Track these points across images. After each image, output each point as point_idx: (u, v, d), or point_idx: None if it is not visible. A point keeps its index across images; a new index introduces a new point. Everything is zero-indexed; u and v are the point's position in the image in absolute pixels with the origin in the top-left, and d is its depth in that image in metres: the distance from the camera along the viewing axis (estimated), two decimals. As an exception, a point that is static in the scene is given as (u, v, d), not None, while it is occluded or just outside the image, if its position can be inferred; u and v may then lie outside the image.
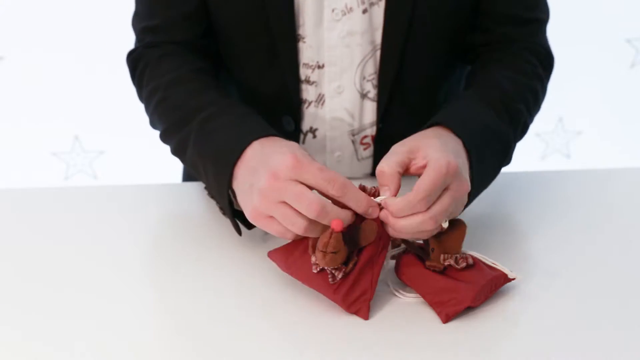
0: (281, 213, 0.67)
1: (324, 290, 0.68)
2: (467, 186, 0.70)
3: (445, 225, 0.69)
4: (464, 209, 0.74)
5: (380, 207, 0.68)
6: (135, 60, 0.93)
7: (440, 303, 0.68)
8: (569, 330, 0.67)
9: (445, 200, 0.68)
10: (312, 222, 0.66)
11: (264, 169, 0.68)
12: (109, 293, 0.73)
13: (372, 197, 0.68)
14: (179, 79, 0.86)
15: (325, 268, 0.67)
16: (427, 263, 0.71)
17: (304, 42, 0.89)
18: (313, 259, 0.67)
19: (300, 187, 0.66)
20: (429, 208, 0.67)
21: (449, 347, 0.65)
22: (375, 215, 0.68)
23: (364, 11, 0.87)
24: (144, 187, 0.96)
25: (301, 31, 0.88)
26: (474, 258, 0.71)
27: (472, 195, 0.75)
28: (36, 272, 0.76)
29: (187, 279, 0.75)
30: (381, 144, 0.96)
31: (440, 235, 0.70)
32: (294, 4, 0.86)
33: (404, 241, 0.73)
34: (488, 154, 0.78)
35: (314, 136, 0.95)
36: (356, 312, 0.68)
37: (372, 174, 0.99)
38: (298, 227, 0.66)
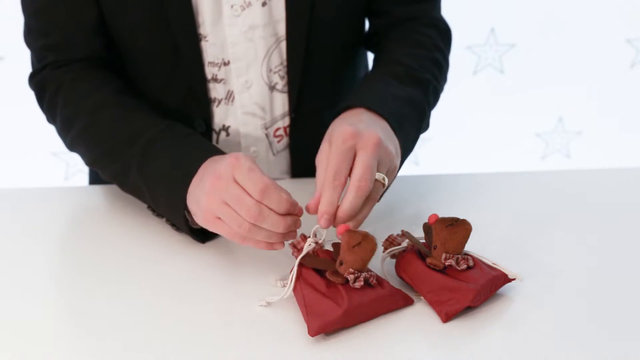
0: (226, 213, 0.70)
1: (389, 304, 0.69)
2: (374, 137, 0.72)
3: (386, 182, 0.72)
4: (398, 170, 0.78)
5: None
6: (41, 83, 0.91)
7: (440, 302, 0.68)
8: (569, 330, 0.67)
9: (359, 161, 0.70)
10: (255, 225, 0.69)
11: (209, 174, 0.71)
12: (109, 293, 0.73)
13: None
14: (101, 104, 0.86)
15: (367, 275, 0.67)
16: (428, 260, 0.71)
17: (207, 40, 0.89)
18: (351, 277, 0.67)
19: (239, 190, 0.69)
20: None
21: (449, 347, 0.65)
22: (300, 214, 0.70)
23: (263, 4, 0.88)
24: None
25: (202, 30, 0.88)
26: (474, 258, 0.71)
27: (401, 158, 0.79)
28: (36, 272, 0.76)
29: (189, 277, 0.75)
30: (296, 134, 0.97)
31: (444, 234, 0.70)
32: (191, 4, 0.86)
33: (408, 237, 0.74)
34: (406, 118, 0.81)
35: (227, 134, 0.96)
36: (405, 301, 0.70)
37: (291, 169, 1.00)
38: (244, 228, 0.69)
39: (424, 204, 0.88)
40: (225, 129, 0.95)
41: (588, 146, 2.15)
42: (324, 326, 0.64)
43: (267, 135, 0.97)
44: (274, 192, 0.69)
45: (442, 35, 0.96)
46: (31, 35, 0.92)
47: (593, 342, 0.65)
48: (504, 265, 0.72)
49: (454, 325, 0.67)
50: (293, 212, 0.70)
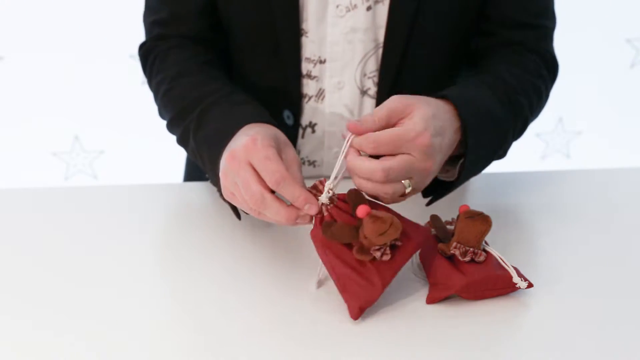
0: (237, 193, 0.71)
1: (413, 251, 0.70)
2: (430, 166, 0.70)
3: (408, 189, 0.70)
4: (459, 182, 0.77)
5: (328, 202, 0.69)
6: (146, 53, 0.95)
7: (432, 285, 0.71)
8: (568, 330, 0.67)
9: (400, 159, 0.68)
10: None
11: (227, 150, 0.72)
12: (108, 292, 0.73)
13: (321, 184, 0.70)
14: (184, 71, 0.88)
15: (388, 244, 0.68)
16: (438, 245, 0.73)
17: (307, 36, 0.90)
18: (377, 254, 0.67)
19: (248, 175, 0.68)
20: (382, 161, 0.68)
21: (450, 348, 0.65)
22: (313, 212, 0.68)
23: (368, 8, 0.88)
24: (144, 187, 0.96)
25: (304, 26, 0.89)
26: (490, 256, 0.71)
27: (463, 176, 0.77)
28: (36, 272, 0.76)
29: (185, 278, 0.75)
30: None
31: (461, 224, 0.71)
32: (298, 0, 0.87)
33: (433, 221, 0.75)
34: (485, 140, 0.78)
35: (313, 131, 0.96)
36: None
37: None
38: (251, 210, 0.70)
39: (422, 203, 0.88)
40: (312, 125, 0.96)
41: (588, 146, 2.16)
42: (364, 307, 0.68)
43: None
44: (289, 185, 0.68)
45: (548, 65, 0.93)
46: (147, 12, 0.96)
47: (592, 343, 0.65)
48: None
49: (455, 325, 0.67)
50: (306, 210, 0.68)
